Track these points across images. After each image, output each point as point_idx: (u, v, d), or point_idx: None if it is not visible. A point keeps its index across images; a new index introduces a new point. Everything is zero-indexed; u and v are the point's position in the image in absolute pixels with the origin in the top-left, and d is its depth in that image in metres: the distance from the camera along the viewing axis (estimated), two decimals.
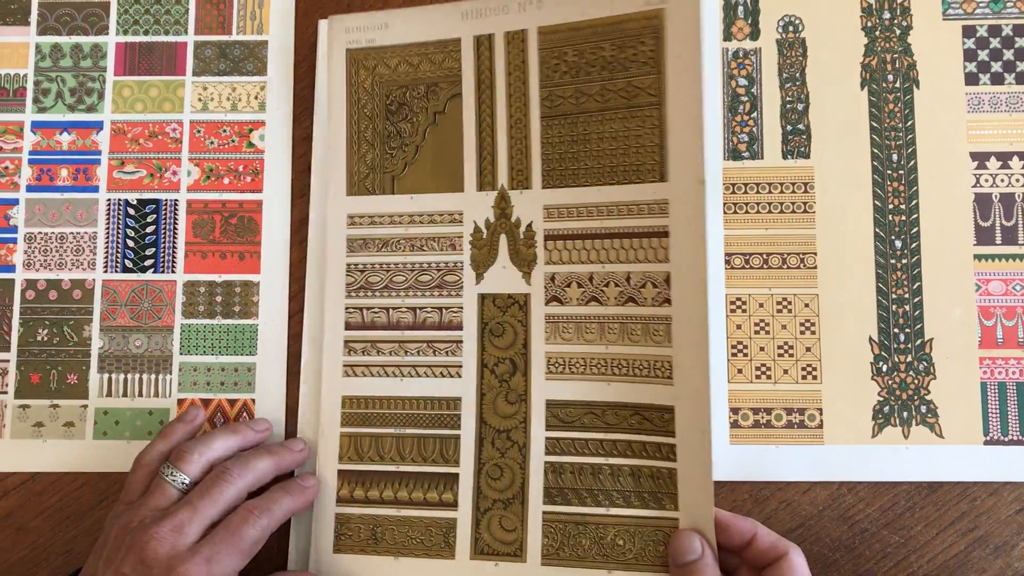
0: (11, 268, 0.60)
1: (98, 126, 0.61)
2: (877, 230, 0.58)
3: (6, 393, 0.59)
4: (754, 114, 0.60)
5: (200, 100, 0.61)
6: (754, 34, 0.60)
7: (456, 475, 0.54)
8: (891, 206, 0.58)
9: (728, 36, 0.60)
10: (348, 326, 0.57)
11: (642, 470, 0.52)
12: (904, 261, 0.58)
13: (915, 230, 0.58)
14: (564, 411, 0.54)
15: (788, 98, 0.60)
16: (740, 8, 0.61)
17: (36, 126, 0.61)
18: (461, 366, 0.55)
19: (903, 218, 0.58)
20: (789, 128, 0.59)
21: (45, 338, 0.59)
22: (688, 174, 0.51)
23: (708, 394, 0.50)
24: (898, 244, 0.58)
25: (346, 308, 0.57)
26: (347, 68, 0.58)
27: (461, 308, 0.56)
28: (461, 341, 0.56)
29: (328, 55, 0.58)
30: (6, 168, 0.61)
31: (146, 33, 0.62)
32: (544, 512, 0.53)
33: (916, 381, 0.57)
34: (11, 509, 0.59)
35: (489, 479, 0.54)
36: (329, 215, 0.57)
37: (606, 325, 0.53)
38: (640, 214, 0.53)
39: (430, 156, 0.57)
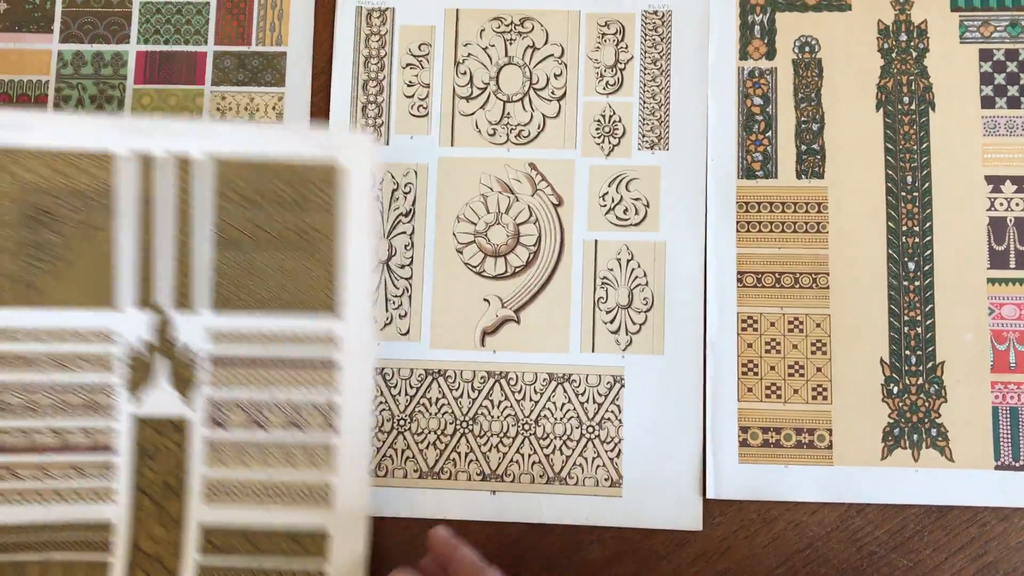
0: None
1: None
2: (890, 251, 0.58)
3: None
4: (768, 133, 0.60)
5: (218, 110, 0.62)
6: (770, 54, 0.61)
7: None
8: (905, 228, 0.58)
9: (744, 55, 0.61)
10: None
11: None
12: (917, 283, 0.58)
13: (928, 252, 0.58)
14: (219, 537, 0.54)
15: (803, 118, 0.60)
16: (756, 28, 0.61)
17: None
18: (114, 490, 0.54)
19: (916, 240, 0.58)
20: (804, 148, 0.59)
21: None
22: (359, 310, 0.55)
23: (365, 519, 0.54)
24: (911, 266, 0.58)
25: None
26: None
27: (113, 431, 0.54)
28: (113, 465, 0.54)
29: None
30: None
31: (166, 43, 0.62)
32: None
33: (927, 404, 0.57)
34: None
35: None
36: None
37: (268, 451, 0.55)
38: (309, 343, 0.55)
39: (81, 270, 0.54)
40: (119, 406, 0.54)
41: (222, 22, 0.62)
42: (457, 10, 0.62)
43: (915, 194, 0.59)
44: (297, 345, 0.55)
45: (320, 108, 0.62)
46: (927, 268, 0.58)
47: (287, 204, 0.55)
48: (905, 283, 0.58)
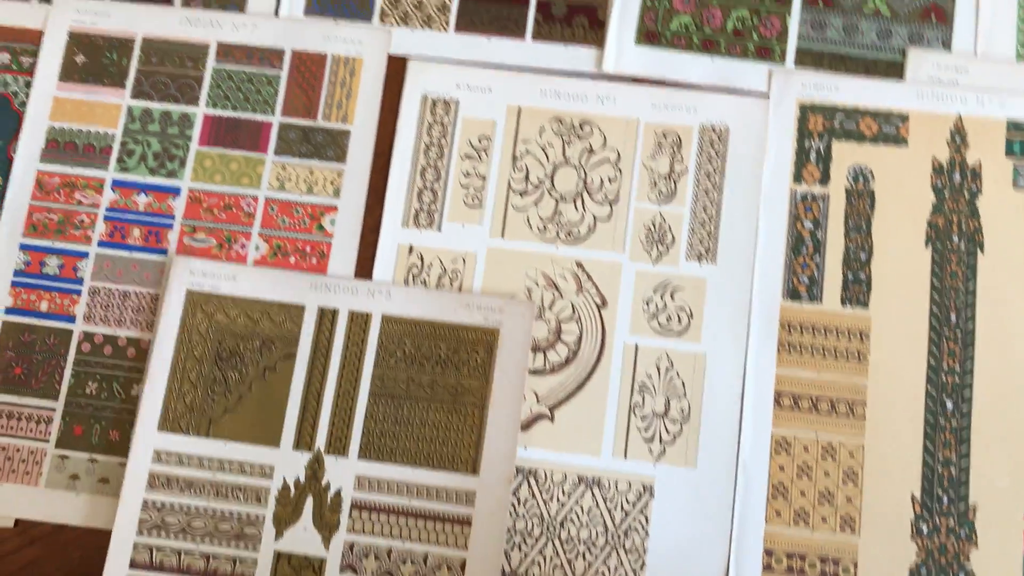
0: (71, 319, 0.61)
1: (176, 192, 0.63)
2: (929, 388, 0.58)
3: (47, 441, 0.60)
4: (816, 258, 0.60)
5: (278, 179, 0.63)
6: (824, 179, 0.61)
7: None
8: (946, 366, 0.58)
9: (798, 178, 0.61)
10: (133, 564, 0.57)
11: None
12: (954, 423, 0.58)
13: (968, 393, 0.58)
14: None
15: (852, 246, 0.60)
16: (813, 153, 0.62)
17: (116, 184, 0.63)
18: None
19: (956, 379, 0.58)
20: (850, 276, 0.60)
21: (93, 392, 0.60)
22: (498, 471, 0.57)
23: None
24: (949, 405, 0.58)
25: (134, 546, 0.57)
26: (185, 307, 0.60)
27: (256, 562, 0.57)
28: None
29: (167, 289, 0.60)
30: (81, 221, 0.63)
31: (234, 109, 0.64)
32: None
33: (956, 547, 0.56)
34: (35, 557, 0.59)
35: None
36: (135, 446, 0.58)
37: None
38: (447, 500, 0.57)
39: (253, 408, 0.59)
40: (264, 540, 0.57)
41: (291, 95, 0.64)
42: (519, 108, 0.63)
43: (958, 333, 0.59)
44: (436, 500, 0.57)
45: (377, 188, 0.63)
46: (965, 409, 0.58)
47: (445, 363, 0.59)
48: (942, 421, 0.58)
